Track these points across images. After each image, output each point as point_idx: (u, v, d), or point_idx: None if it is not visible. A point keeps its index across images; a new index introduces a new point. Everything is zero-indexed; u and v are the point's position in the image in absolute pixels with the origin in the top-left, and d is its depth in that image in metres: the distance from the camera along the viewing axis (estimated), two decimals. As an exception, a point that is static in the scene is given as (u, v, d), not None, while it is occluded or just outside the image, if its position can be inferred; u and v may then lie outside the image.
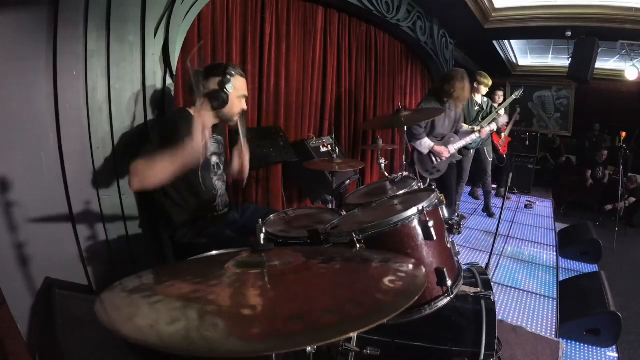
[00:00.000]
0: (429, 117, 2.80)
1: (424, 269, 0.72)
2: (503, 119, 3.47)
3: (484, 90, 3.62)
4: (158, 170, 1.25)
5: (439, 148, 2.91)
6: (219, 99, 1.48)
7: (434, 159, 2.97)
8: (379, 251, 0.90)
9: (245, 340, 0.51)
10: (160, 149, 1.35)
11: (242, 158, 1.68)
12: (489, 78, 3.58)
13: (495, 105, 3.94)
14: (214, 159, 1.63)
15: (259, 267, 0.72)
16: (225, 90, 1.49)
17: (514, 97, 3.70)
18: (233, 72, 1.53)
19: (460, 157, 3.13)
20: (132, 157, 1.32)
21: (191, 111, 1.57)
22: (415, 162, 3.01)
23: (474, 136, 3.03)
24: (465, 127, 3.44)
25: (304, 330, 0.52)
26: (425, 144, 2.89)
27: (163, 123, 1.51)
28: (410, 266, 0.75)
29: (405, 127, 2.29)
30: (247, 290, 0.65)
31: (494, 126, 3.38)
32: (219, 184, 1.66)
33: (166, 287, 0.70)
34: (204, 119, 1.29)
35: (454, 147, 2.96)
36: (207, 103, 1.48)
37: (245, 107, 1.62)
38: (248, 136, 1.73)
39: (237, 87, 1.54)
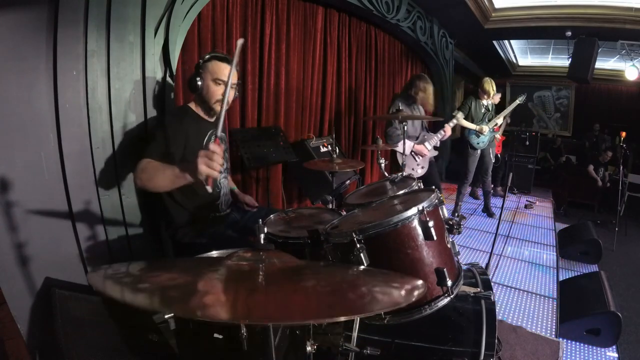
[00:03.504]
0: (426, 119, 2.86)
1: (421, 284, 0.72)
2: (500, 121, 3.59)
3: (486, 97, 3.66)
4: (157, 185, 1.28)
5: (419, 147, 3.05)
6: (192, 84, 1.53)
7: (415, 158, 3.08)
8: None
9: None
10: (166, 149, 1.40)
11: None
12: (491, 86, 3.60)
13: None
14: None
15: (255, 266, 0.72)
16: (196, 75, 1.53)
17: (518, 102, 3.80)
18: (207, 57, 1.55)
19: (436, 152, 3.23)
20: (137, 155, 1.35)
21: (192, 107, 1.60)
22: (404, 162, 3.07)
23: (442, 132, 3.13)
24: (472, 125, 3.56)
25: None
26: (406, 145, 2.95)
27: (167, 120, 1.51)
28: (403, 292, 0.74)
29: (405, 126, 2.33)
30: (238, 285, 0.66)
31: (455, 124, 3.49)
32: (223, 182, 1.66)
33: (153, 276, 0.71)
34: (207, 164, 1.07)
35: (429, 144, 3.08)
36: (190, 91, 1.54)
37: (218, 96, 1.53)
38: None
39: (210, 71, 1.54)
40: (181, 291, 0.59)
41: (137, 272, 0.73)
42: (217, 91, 1.54)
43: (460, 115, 3.31)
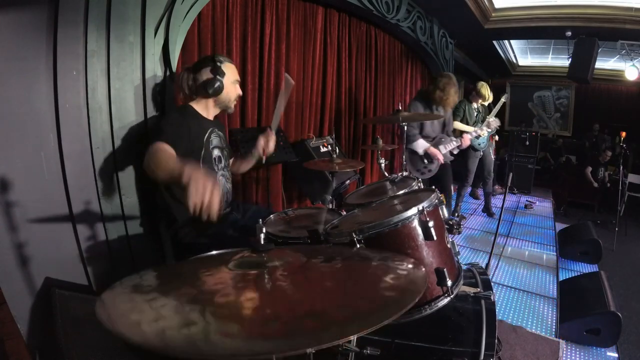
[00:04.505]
0: (427, 119, 2.85)
1: (423, 268, 0.72)
2: (495, 122, 3.57)
3: (481, 101, 3.76)
4: (160, 174, 1.28)
5: (434, 150, 2.96)
6: (214, 86, 1.55)
7: (425, 159, 3.03)
8: (377, 250, 0.90)
9: (265, 340, 0.50)
10: (172, 139, 1.39)
11: (267, 144, 1.76)
12: (488, 91, 3.66)
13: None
14: (216, 152, 1.64)
15: (260, 268, 0.72)
16: (218, 76, 1.56)
17: (503, 100, 3.92)
18: (222, 59, 1.60)
19: (452, 157, 3.19)
20: (137, 155, 1.35)
21: (194, 105, 1.61)
22: (406, 162, 3.06)
23: (459, 141, 3.10)
24: (469, 128, 3.53)
25: (321, 328, 0.52)
26: (421, 144, 2.96)
27: (170, 116, 1.52)
28: (410, 265, 0.76)
29: (406, 126, 2.32)
30: (253, 292, 0.65)
31: (486, 130, 3.53)
32: (222, 180, 1.67)
33: (169, 289, 0.69)
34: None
35: (444, 148, 3.02)
36: (204, 92, 1.56)
37: (240, 92, 1.71)
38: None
39: (228, 73, 1.61)
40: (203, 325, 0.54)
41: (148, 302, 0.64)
42: (234, 91, 1.66)
43: (495, 122, 3.38)
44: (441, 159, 2.97)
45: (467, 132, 3.26)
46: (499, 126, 3.61)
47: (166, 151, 1.34)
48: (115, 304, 0.63)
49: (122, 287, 0.68)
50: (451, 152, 3.12)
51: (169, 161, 1.28)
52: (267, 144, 1.74)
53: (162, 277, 0.79)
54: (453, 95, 2.85)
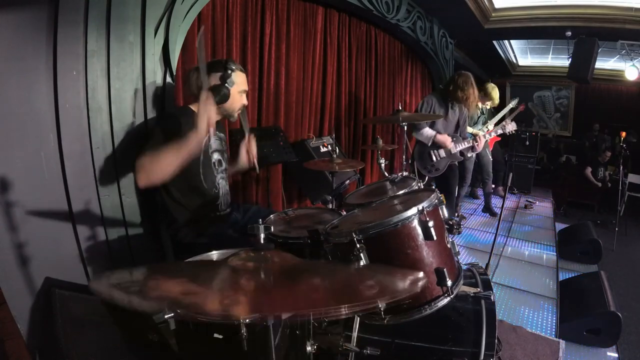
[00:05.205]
0: (427, 119, 2.84)
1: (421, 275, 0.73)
2: (511, 126, 3.52)
3: (489, 104, 3.74)
4: (163, 164, 1.28)
5: (442, 137, 2.88)
6: (220, 94, 1.51)
7: (433, 157, 2.99)
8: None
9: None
10: (165, 143, 1.37)
11: (250, 150, 1.73)
12: (498, 96, 3.65)
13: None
14: (216, 156, 1.63)
15: (259, 265, 0.72)
16: (226, 85, 1.52)
17: (510, 106, 3.93)
18: (234, 67, 1.57)
19: (462, 158, 3.14)
20: (136, 154, 1.34)
21: (193, 108, 1.59)
22: (414, 159, 3.04)
23: (473, 142, 3.04)
24: (470, 129, 3.53)
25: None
26: (426, 133, 2.91)
27: (166, 119, 1.52)
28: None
29: (406, 125, 2.32)
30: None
31: (499, 131, 3.51)
32: (222, 183, 1.66)
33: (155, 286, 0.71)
34: (208, 111, 1.29)
35: (455, 147, 2.97)
36: (209, 98, 1.50)
37: (245, 102, 1.66)
38: (242, 138, 1.78)
39: (237, 82, 1.57)
40: (188, 293, 0.61)
41: (142, 278, 0.74)
42: (240, 101, 1.62)
43: (511, 126, 3.38)
44: (450, 145, 2.91)
45: (480, 134, 3.20)
46: (514, 130, 3.54)
47: (152, 155, 1.31)
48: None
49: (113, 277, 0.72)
50: (462, 153, 3.06)
51: (168, 148, 1.29)
52: (250, 149, 1.71)
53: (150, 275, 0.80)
54: (473, 95, 2.82)
